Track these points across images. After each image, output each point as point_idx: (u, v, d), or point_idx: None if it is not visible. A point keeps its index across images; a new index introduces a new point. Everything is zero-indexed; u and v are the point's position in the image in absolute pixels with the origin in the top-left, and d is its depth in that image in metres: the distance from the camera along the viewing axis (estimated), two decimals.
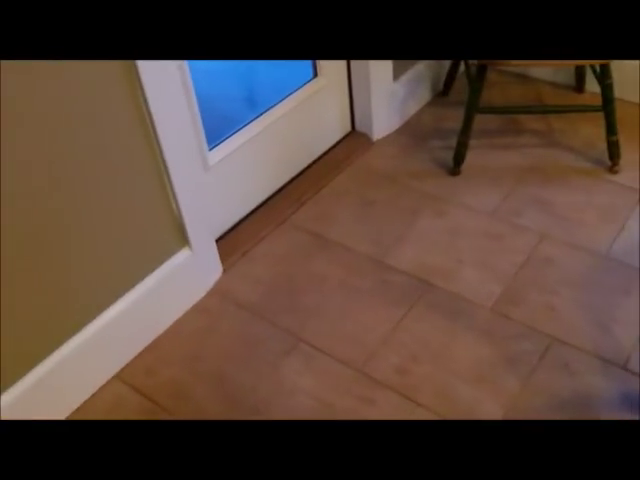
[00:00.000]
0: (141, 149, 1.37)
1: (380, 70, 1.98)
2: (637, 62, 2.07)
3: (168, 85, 1.36)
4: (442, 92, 2.26)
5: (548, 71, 2.25)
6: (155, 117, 1.35)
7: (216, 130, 1.87)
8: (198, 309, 1.62)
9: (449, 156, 1.97)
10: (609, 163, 1.92)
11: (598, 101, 1.85)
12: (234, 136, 1.77)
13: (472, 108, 1.84)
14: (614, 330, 1.52)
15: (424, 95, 2.22)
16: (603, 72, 1.77)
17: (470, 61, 2.04)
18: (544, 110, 1.86)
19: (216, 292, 1.67)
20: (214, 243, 1.65)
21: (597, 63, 1.78)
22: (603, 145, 1.92)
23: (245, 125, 1.80)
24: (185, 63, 1.48)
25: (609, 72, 1.77)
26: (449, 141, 2.04)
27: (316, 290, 1.66)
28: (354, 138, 2.09)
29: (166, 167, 1.42)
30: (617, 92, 1.83)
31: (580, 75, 2.16)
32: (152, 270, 1.50)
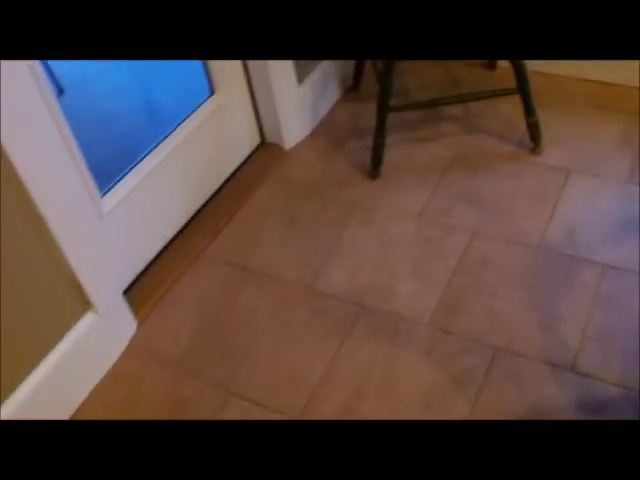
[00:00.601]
0: (11, 210, 1.21)
1: (282, 76, 1.85)
2: None
3: (32, 131, 1.20)
4: (352, 86, 2.15)
5: None
6: (20, 170, 1.19)
7: (122, 151, 1.73)
8: (116, 375, 1.48)
9: (369, 157, 1.87)
10: (532, 144, 1.85)
11: (512, 76, 1.76)
12: (131, 173, 1.62)
13: (383, 108, 1.73)
14: (559, 329, 1.46)
15: (334, 93, 2.10)
16: None
17: None
18: (460, 99, 1.77)
19: (133, 351, 1.53)
20: (122, 297, 1.51)
21: None
22: (524, 124, 1.85)
23: (141, 159, 1.65)
24: (52, 98, 1.30)
25: None
26: (366, 140, 1.94)
27: (244, 331, 1.54)
28: (265, 150, 1.97)
29: (47, 226, 1.27)
30: (531, 65, 1.75)
31: None
32: (54, 346, 1.35)
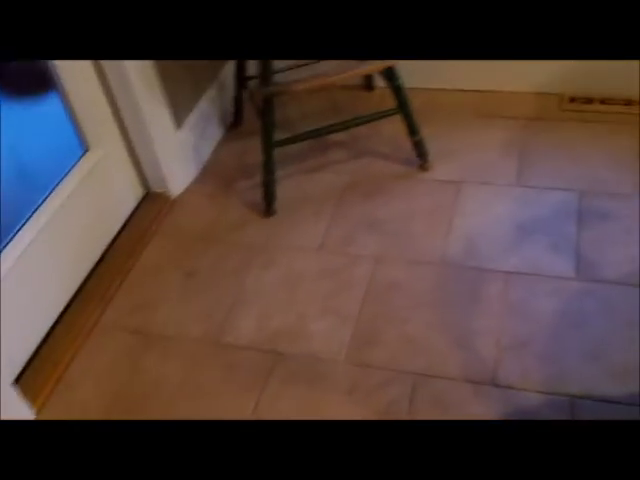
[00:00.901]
0: None
1: (158, 122, 1.79)
2: None
3: None
4: (234, 123, 2.11)
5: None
6: None
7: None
8: None
9: (261, 195, 1.82)
10: (420, 161, 1.87)
11: (390, 96, 1.77)
12: (6, 249, 1.50)
13: (268, 145, 1.70)
14: (474, 344, 1.46)
15: (215, 133, 2.05)
16: (390, 74, 1.70)
17: (254, 91, 1.90)
18: (344, 126, 1.77)
19: None
20: (13, 388, 1.39)
21: (382, 68, 1.70)
22: (409, 142, 1.86)
23: (17, 232, 1.54)
24: None
25: (396, 73, 1.70)
26: (256, 178, 1.89)
27: (155, 401, 1.45)
28: (151, 202, 1.88)
29: None
30: (409, 81, 1.76)
31: (367, 75, 2.10)
32: None
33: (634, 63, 1.94)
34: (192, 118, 1.93)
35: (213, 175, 1.97)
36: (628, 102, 2.00)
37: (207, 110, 1.99)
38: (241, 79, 1.96)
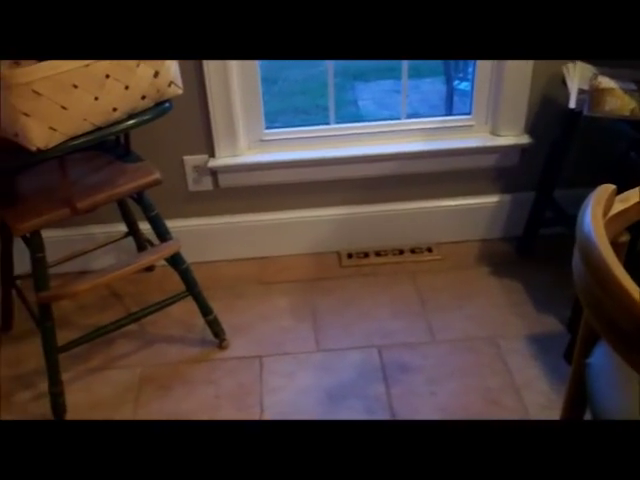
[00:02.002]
0: None
1: None
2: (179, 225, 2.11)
3: None
4: (3, 327, 1.97)
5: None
6: None
7: None
8: None
9: (48, 405, 1.69)
10: (216, 340, 1.89)
11: (172, 275, 1.81)
12: None
13: (51, 352, 1.61)
14: None
15: None
16: (175, 260, 1.74)
17: (25, 294, 1.81)
18: (134, 318, 1.74)
19: None
20: None
21: (168, 255, 1.73)
22: (202, 321, 1.88)
23: None
24: None
25: (181, 258, 1.74)
26: (39, 387, 1.77)
27: None
28: None
29: None
30: (190, 256, 1.81)
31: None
32: None
33: (403, 217, 2.19)
34: None
35: None
36: (400, 251, 2.24)
37: None
38: (8, 279, 1.86)
